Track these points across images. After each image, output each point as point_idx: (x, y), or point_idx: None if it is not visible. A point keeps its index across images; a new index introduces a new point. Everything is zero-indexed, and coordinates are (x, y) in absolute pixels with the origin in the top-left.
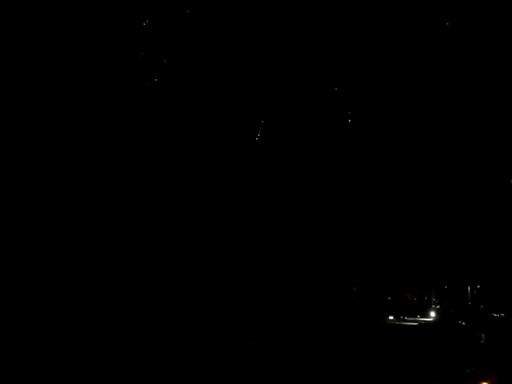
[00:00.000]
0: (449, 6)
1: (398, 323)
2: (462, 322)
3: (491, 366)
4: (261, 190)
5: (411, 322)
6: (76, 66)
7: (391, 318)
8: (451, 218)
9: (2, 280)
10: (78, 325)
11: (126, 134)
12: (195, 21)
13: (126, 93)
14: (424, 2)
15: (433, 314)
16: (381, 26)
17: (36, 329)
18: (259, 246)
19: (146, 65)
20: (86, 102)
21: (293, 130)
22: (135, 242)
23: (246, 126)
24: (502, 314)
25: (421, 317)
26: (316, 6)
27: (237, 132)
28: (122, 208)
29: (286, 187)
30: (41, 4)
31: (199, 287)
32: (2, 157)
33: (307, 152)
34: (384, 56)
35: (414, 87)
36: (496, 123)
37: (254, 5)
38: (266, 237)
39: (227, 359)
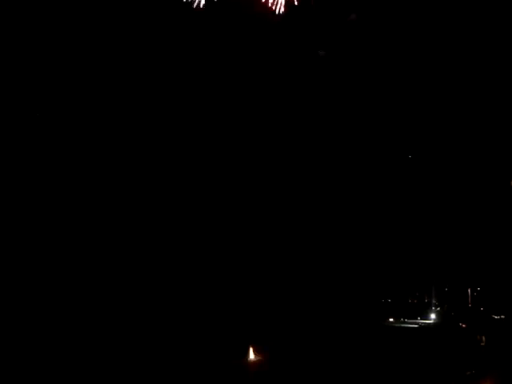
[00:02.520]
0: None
1: (398, 325)
2: (463, 324)
3: (491, 368)
4: (264, 193)
5: (411, 325)
6: (76, 67)
7: (391, 320)
8: (452, 221)
9: (2, 280)
10: (78, 324)
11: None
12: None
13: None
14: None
15: (433, 316)
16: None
17: (36, 328)
18: (262, 248)
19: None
20: (86, 102)
21: (293, 130)
22: (140, 241)
23: (248, 127)
24: (503, 317)
25: (421, 319)
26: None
27: (238, 132)
28: (130, 208)
29: (288, 191)
30: (41, 4)
31: (202, 287)
32: (1, 157)
33: (309, 155)
34: (385, 57)
35: (414, 89)
36: (496, 124)
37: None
38: (269, 240)
39: (227, 358)
